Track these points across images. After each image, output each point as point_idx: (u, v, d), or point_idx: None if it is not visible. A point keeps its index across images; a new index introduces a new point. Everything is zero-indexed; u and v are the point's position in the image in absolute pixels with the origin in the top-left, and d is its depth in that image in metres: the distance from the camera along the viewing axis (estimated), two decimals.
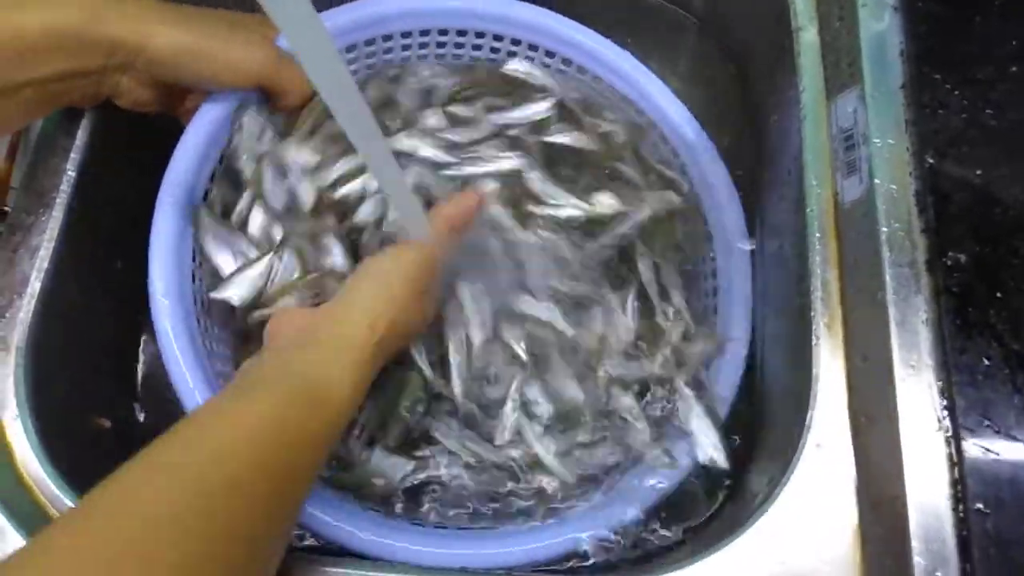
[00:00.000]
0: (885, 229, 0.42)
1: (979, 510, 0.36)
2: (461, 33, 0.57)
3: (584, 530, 0.44)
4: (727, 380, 0.51)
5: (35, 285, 0.46)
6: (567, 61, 0.58)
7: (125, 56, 0.42)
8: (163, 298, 0.44)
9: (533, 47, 0.57)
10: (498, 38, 0.57)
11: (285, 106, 0.49)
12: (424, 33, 0.56)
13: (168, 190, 0.46)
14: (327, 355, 0.38)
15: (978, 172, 0.43)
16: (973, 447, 0.37)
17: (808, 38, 0.51)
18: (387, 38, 0.55)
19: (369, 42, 0.55)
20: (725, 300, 0.54)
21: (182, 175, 0.47)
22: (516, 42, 0.57)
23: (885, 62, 0.46)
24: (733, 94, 0.64)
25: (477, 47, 0.58)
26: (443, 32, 0.56)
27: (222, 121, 0.48)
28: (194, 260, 0.47)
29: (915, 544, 0.36)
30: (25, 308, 0.45)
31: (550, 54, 0.58)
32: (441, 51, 0.58)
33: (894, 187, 0.43)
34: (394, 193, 0.42)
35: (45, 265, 0.46)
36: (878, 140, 0.44)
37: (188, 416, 0.34)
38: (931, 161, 0.43)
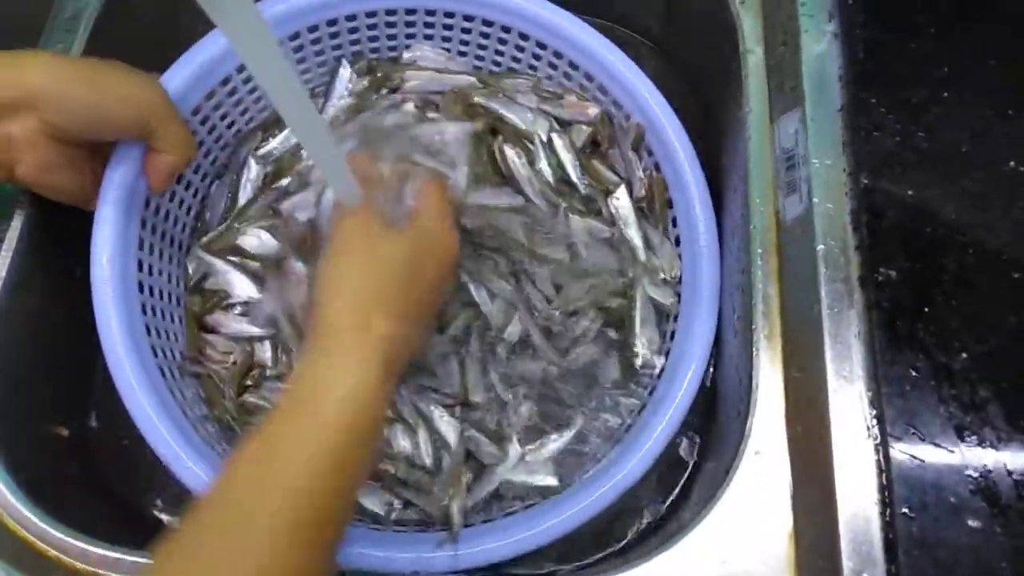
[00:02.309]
0: (821, 246, 0.44)
1: (904, 514, 0.38)
2: (449, 15, 0.59)
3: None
4: (689, 384, 0.50)
5: None
6: (541, 44, 0.58)
7: (5, 98, 0.41)
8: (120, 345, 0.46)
9: (506, 29, 0.58)
10: (469, 19, 0.59)
11: (160, 164, 0.47)
12: (391, 13, 0.58)
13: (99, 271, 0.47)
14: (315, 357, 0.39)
15: (910, 192, 0.45)
16: (900, 454, 0.39)
17: (754, 61, 0.53)
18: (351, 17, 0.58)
19: (332, 22, 0.57)
20: (689, 303, 0.53)
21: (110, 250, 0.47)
22: (488, 23, 0.58)
23: (824, 86, 0.48)
24: (688, 111, 0.66)
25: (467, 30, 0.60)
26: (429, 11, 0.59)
27: (131, 186, 0.48)
28: (142, 291, 0.49)
29: (844, 546, 0.38)
30: None
31: (524, 36, 0.58)
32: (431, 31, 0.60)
33: (831, 206, 0.45)
34: (315, 150, 0.40)
35: (3, 275, 0.47)
36: (816, 161, 0.46)
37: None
38: (866, 181, 0.45)
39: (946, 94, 0.48)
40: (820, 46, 0.50)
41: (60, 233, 0.51)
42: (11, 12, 0.54)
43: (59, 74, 0.42)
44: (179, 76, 0.50)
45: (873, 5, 0.51)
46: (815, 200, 0.45)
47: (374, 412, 0.38)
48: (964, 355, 0.41)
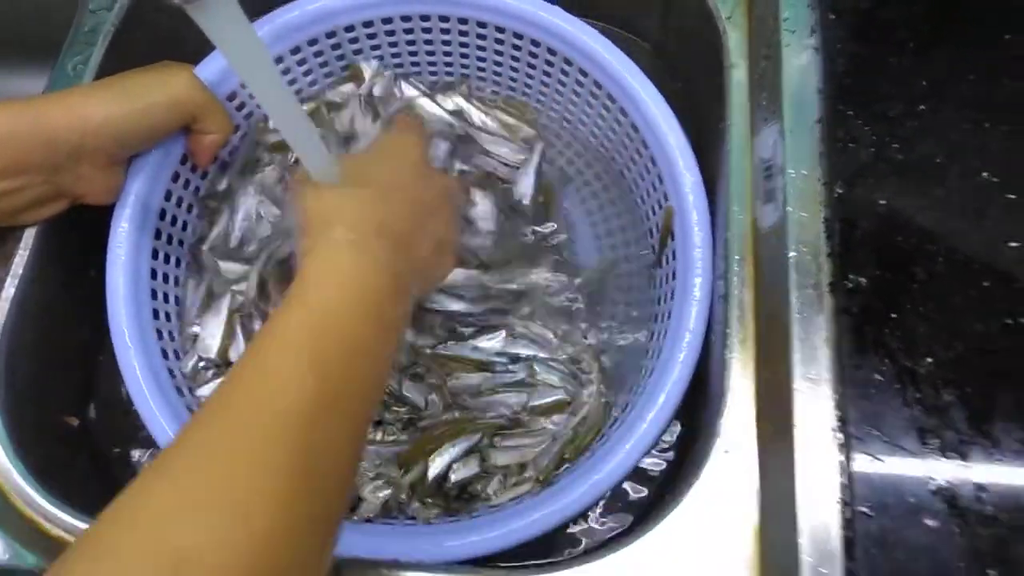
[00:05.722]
0: (794, 253, 0.45)
1: (864, 513, 0.39)
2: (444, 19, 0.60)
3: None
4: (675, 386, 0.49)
5: (10, 290, 0.49)
6: (536, 42, 0.58)
7: (69, 145, 0.44)
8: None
9: (500, 29, 0.58)
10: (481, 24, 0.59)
11: (205, 143, 0.52)
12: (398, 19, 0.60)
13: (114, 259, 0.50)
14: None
15: (883, 202, 0.46)
16: (862, 455, 0.40)
17: (738, 76, 0.54)
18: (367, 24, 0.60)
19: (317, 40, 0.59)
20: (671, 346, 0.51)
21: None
22: (482, 25, 0.59)
23: (804, 98, 0.50)
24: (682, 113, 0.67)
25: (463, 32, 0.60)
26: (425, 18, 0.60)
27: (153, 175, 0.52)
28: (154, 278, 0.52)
29: (803, 543, 0.39)
30: None
31: (535, 43, 0.58)
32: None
33: (805, 214, 0.46)
34: (288, 127, 0.40)
35: (20, 271, 0.50)
36: (793, 171, 0.48)
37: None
38: (840, 191, 0.47)
39: (923, 107, 0.49)
40: (801, 60, 0.51)
41: (76, 232, 0.54)
42: (33, 24, 0.57)
43: (113, 106, 0.45)
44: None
45: (855, 21, 0.52)
46: (790, 209, 0.47)
47: (381, 297, 0.37)
48: (929, 360, 0.42)
